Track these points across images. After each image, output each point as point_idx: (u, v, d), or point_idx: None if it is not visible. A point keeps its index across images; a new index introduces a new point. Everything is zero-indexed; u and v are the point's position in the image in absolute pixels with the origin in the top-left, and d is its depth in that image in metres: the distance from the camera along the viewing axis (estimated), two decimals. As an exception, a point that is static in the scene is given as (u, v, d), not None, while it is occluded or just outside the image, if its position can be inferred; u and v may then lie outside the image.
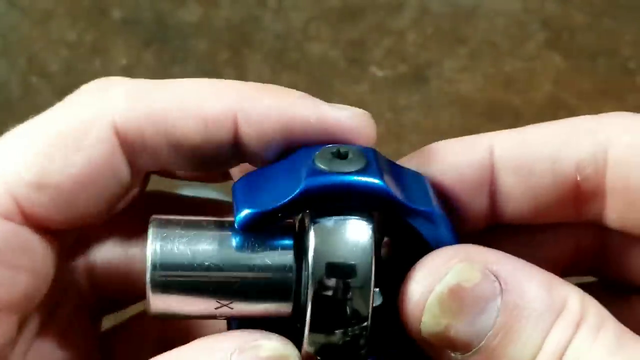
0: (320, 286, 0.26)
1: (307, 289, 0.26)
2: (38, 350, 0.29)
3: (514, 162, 0.29)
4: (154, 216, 0.27)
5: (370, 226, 0.27)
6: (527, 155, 0.29)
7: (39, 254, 0.28)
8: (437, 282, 0.26)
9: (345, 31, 0.92)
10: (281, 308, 0.27)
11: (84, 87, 0.30)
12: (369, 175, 0.27)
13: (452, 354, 0.27)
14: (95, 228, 0.30)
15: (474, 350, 0.26)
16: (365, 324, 0.27)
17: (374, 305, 0.27)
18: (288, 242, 0.27)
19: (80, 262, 0.32)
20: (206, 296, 0.27)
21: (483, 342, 0.26)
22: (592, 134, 0.28)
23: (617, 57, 0.92)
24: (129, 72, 0.90)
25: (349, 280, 0.27)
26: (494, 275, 0.26)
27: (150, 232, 0.27)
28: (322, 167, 0.27)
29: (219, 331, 0.28)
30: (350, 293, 0.27)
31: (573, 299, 0.26)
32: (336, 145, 0.28)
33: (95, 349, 0.32)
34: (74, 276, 0.31)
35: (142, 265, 0.26)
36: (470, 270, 0.26)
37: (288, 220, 0.27)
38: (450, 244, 0.28)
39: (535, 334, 0.26)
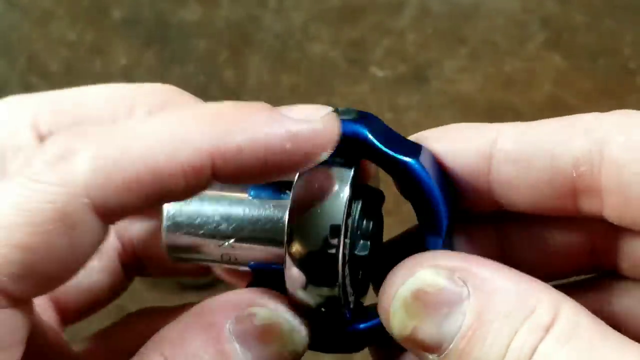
0: (292, 231, 0.28)
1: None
2: None
3: (513, 155, 0.30)
4: None
5: (349, 174, 0.29)
6: (527, 149, 0.30)
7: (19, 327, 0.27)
8: (401, 289, 0.28)
9: (346, 31, 0.92)
10: (275, 254, 0.30)
11: (40, 155, 0.26)
12: (355, 123, 0.30)
13: (430, 357, 0.27)
14: None
15: (445, 351, 0.27)
16: (338, 272, 0.28)
17: (361, 254, 0.29)
18: (284, 195, 0.30)
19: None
20: (210, 237, 0.30)
21: (452, 345, 0.27)
22: (589, 132, 0.29)
23: (617, 57, 0.92)
24: (129, 72, 0.90)
25: (320, 223, 0.28)
26: (462, 281, 0.27)
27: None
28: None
29: None
30: (323, 237, 0.28)
31: (544, 304, 0.27)
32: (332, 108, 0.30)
33: None
34: None
35: None
36: (434, 276, 0.27)
37: None
38: (434, 195, 0.29)
39: (500, 338, 0.26)
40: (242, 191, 0.31)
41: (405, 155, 0.29)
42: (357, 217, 0.30)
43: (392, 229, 0.34)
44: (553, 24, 0.93)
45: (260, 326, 0.28)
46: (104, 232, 0.27)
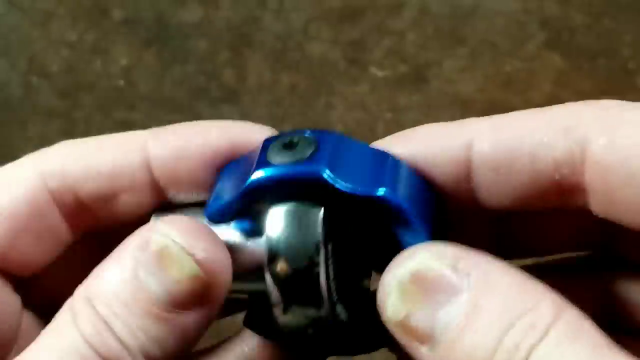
0: (271, 270, 0.28)
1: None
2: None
3: (491, 160, 0.29)
4: (156, 210, 0.31)
5: (319, 213, 0.28)
6: (505, 153, 0.29)
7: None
8: (399, 271, 0.27)
9: (345, 31, 0.93)
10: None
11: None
12: (311, 163, 0.28)
13: (422, 349, 0.27)
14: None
15: (434, 342, 0.26)
16: (314, 310, 0.28)
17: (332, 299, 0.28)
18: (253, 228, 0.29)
19: None
20: None
21: (443, 335, 0.26)
22: (569, 132, 0.28)
23: (617, 57, 0.92)
24: (130, 71, 0.91)
25: (295, 264, 0.28)
26: (465, 271, 0.26)
27: (152, 217, 0.31)
28: (270, 159, 0.28)
29: None
30: (297, 278, 0.28)
31: (545, 304, 0.26)
32: (291, 134, 0.29)
33: None
34: None
35: None
36: (437, 261, 0.27)
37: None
38: (411, 221, 0.28)
39: (492, 331, 0.25)
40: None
41: (373, 186, 0.28)
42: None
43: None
44: (553, 24, 0.93)
45: (155, 251, 0.27)
46: (65, 229, 0.29)
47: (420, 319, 0.26)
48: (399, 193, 0.28)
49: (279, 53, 0.92)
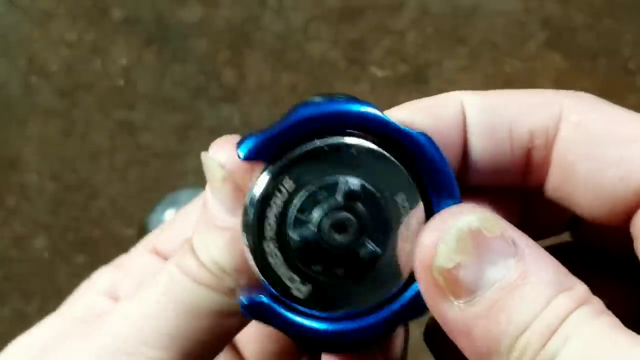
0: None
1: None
2: None
3: (481, 126, 0.31)
4: None
5: (365, 141, 0.29)
6: (491, 120, 0.31)
7: None
8: (459, 221, 0.28)
9: (345, 31, 0.93)
10: None
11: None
12: (360, 103, 0.30)
13: (455, 302, 0.28)
14: None
15: (475, 298, 0.27)
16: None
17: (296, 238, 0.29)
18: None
19: None
20: None
21: (487, 292, 0.27)
22: (548, 107, 0.30)
23: (617, 57, 0.92)
24: (129, 71, 0.91)
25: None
26: (512, 241, 0.28)
27: None
28: (316, 100, 0.30)
29: None
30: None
31: (580, 285, 0.27)
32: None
33: None
34: None
35: None
36: (493, 224, 0.28)
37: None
38: (442, 165, 0.30)
39: (539, 297, 0.27)
40: None
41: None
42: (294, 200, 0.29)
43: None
44: (553, 24, 0.93)
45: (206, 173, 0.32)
46: None
47: (468, 271, 0.27)
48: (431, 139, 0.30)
49: (279, 53, 0.92)
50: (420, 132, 0.29)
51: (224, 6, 0.93)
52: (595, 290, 0.29)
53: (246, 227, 0.29)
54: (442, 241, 0.28)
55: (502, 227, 0.28)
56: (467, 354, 0.27)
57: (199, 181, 0.87)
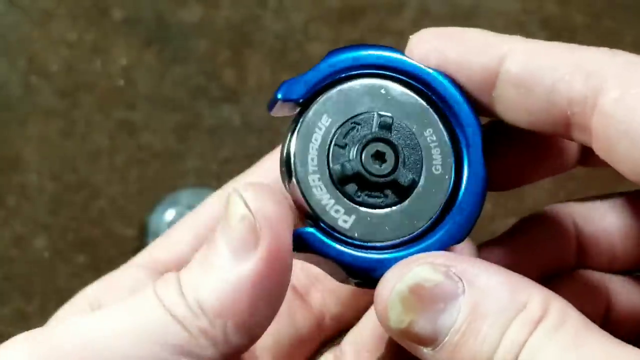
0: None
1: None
2: None
3: (516, 79, 0.31)
4: None
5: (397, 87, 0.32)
6: (530, 78, 0.31)
7: None
8: (400, 281, 0.29)
9: (345, 31, 0.93)
10: None
11: None
12: (388, 48, 0.33)
13: (424, 349, 0.29)
14: None
15: (438, 346, 0.28)
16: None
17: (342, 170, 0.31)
18: None
19: None
20: None
21: (446, 338, 0.28)
22: (589, 79, 0.31)
23: (616, 57, 0.92)
24: (129, 71, 0.91)
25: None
26: (458, 277, 0.28)
27: None
28: (348, 46, 0.33)
29: None
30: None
31: (535, 299, 0.28)
32: None
33: None
34: None
35: None
36: (432, 272, 0.29)
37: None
38: (463, 105, 0.32)
39: (493, 332, 0.27)
40: None
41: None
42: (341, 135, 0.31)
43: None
44: (553, 24, 0.93)
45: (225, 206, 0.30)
46: None
47: (423, 325, 0.28)
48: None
49: (279, 53, 0.92)
50: (441, 73, 0.31)
51: (224, 6, 0.93)
52: None
53: (289, 164, 0.30)
54: (388, 308, 0.29)
55: (444, 270, 0.28)
56: None
57: (199, 181, 0.87)
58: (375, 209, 0.31)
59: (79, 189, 0.88)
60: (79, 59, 0.91)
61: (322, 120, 0.31)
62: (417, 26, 0.94)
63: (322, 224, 0.30)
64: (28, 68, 0.91)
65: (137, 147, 0.89)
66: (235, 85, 0.90)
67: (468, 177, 0.31)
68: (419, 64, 0.32)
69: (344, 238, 0.31)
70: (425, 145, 0.31)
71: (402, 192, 0.31)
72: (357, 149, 0.31)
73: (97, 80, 0.90)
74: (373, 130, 0.31)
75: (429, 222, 0.31)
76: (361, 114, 0.31)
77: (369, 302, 0.37)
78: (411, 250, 0.31)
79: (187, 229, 0.38)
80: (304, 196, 0.30)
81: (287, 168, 0.31)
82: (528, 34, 0.93)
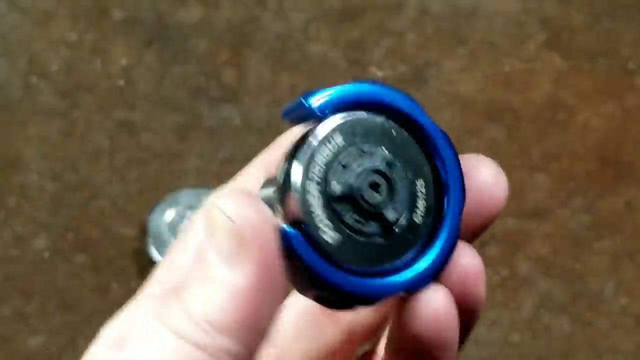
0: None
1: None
2: None
3: None
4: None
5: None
6: None
7: None
8: None
9: (345, 31, 0.93)
10: None
11: None
12: (405, 97, 0.34)
13: None
14: None
15: None
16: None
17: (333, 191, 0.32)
18: None
19: None
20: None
21: None
22: None
23: (616, 57, 0.92)
24: (129, 71, 0.91)
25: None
26: None
27: None
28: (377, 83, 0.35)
29: None
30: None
31: None
32: None
33: None
34: None
35: None
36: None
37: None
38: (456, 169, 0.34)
39: None
40: None
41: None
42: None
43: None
44: (552, 24, 0.94)
45: (204, 219, 0.31)
46: None
47: None
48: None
49: (279, 53, 0.92)
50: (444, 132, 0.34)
51: (224, 7, 0.93)
52: None
53: (291, 165, 0.32)
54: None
55: None
56: None
57: (199, 181, 0.87)
58: (359, 235, 0.32)
59: (79, 189, 0.88)
60: (79, 59, 0.91)
61: (335, 137, 0.33)
62: (417, 26, 0.94)
63: (308, 231, 0.31)
64: (28, 68, 0.91)
65: (137, 147, 0.89)
66: (235, 85, 0.90)
67: (444, 238, 0.33)
68: (435, 126, 0.34)
69: (324, 250, 0.32)
70: (414, 193, 0.33)
71: (386, 227, 0.33)
72: (359, 174, 0.32)
73: (97, 80, 0.90)
74: (376, 162, 0.33)
75: (401, 262, 0.33)
76: (371, 146, 0.33)
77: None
78: (376, 281, 0.32)
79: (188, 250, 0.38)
80: (300, 199, 0.31)
81: (288, 167, 0.32)
82: (527, 33, 0.93)
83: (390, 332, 0.36)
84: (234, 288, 0.29)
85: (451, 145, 0.34)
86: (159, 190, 0.86)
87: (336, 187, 0.32)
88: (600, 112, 0.89)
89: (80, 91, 0.90)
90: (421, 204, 0.33)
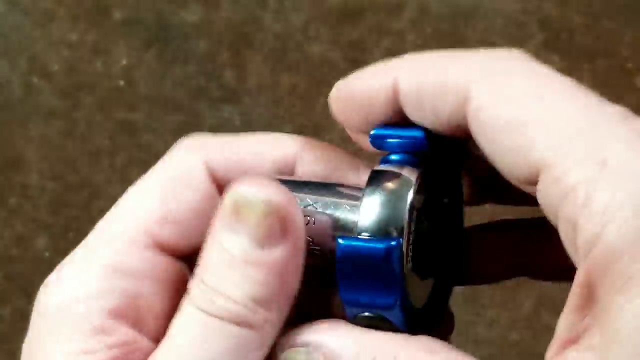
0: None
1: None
2: None
3: (409, 100, 0.34)
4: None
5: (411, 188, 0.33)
6: (417, 94, 0.34)
7: (167, 272, 0.35)
8: None
9: (345, 32, 0.93)
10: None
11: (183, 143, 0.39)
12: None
13: None
14: None
15: None
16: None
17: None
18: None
19: None
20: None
21: None
22: (457, 93, 0.33)
23: (615, 57, 0.92)
24: (130, 72, 0.91)
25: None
26: (316, 351, 0.32)
27: None
28: None
29: None
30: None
31: (381, 356, 0.31)
32: None
33: None
34: None
35: None
36: (295, 356, 0.32)
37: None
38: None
39: None
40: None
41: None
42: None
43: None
44: (552, 24, 0.94)
45: (230, 210, 0.32)
46: None
47: None
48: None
49: (279, 53, 0.92)
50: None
51: (224, 7, 0.93)
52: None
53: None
54: None
55: (304, 350, 0.32)
56: None
57: (199, 181, 0.87)
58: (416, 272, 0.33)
59: (79, 189, 0.88)
60: (80, 59, 0.91)
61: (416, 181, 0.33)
62: (416, 26, 0.94)
63: (401, 248, 0.32)
64: (29, 69, 0.91)
65: (137, 147, 0.89)
66: (236, 86, 0.91)
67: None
68: None
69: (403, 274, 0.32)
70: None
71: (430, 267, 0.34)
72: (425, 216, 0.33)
73: (97, 80, 0.90)
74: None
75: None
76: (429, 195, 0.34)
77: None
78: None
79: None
80: (408, 217, 0.32)
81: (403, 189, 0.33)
82: (527, 34, 0.93)
83: None
84: (268, 266, 0.31)
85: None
86: (160, 190, 0.86)
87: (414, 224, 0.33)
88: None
89: (81, 91, 0.90)
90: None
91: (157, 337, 0.33)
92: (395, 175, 0.33)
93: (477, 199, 0.38)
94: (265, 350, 0.32)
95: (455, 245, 0.37)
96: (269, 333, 0.31)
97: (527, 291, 0.85)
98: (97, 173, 0.88)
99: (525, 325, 0.85)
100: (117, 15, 0.92)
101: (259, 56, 0.92)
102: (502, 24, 0.94)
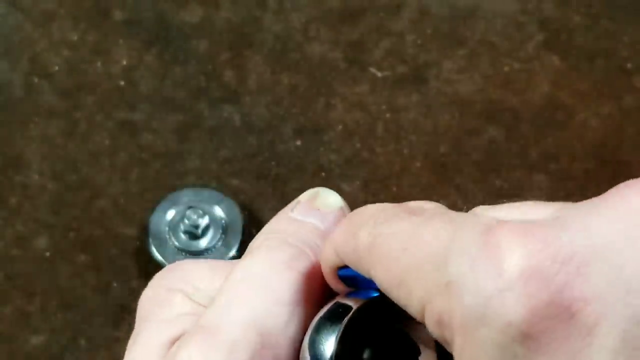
0: None
1: None
2: None
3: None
4: None
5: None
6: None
7: None
8: None
9: (345, 32, 0.93)
10: None
11: None
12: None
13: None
14: None
15: None
16: None
17: None
18: None
19: None
20: None
21: None
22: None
23: (615, 58, 0.93)
24: (130, 72, 0.91)
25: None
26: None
27: None
28: None
29: None
30: None
31: None
32: None
33: None
34: None
35: None
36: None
37: None
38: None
39: None
40: None
41: None
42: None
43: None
44: (551, 25, 0.94)
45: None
46: None
47: None
48: None
49: (279, 53, 0.92)
50: None
51: (224, 7, 0.93)
52: None
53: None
54: None
55: None
56: None
57: (199, 181, 0.87)
58: None
59: (80, 188, 0.88)
60: (80, 59, 0.91)
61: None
62: (416, 26, 0.94)
63: None
64: (29, 69, 0.91)
65: (138, 147, 0.89)
66: (236, 86, 0.91)
67: None
68: None
69: None
70: None
71: None
72: None
73: (98, 80, 0.90)
74: None
75: None
76: None
77: None
78: None
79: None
80: None
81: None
82: (526, 34, 0.93)
83: None
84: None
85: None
86: (160, 190, 0.86)
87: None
88: (598, 112, 0.89)
89: (82, 91, 0.90)
90: None
91: None
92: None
93: None
94: None
95: None
96: None
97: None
98: (97, 173, 0.88)
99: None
100: (118, 15, 0.93)
101: (259, 56, 0.92)
102: (502, 24, 0.94)
